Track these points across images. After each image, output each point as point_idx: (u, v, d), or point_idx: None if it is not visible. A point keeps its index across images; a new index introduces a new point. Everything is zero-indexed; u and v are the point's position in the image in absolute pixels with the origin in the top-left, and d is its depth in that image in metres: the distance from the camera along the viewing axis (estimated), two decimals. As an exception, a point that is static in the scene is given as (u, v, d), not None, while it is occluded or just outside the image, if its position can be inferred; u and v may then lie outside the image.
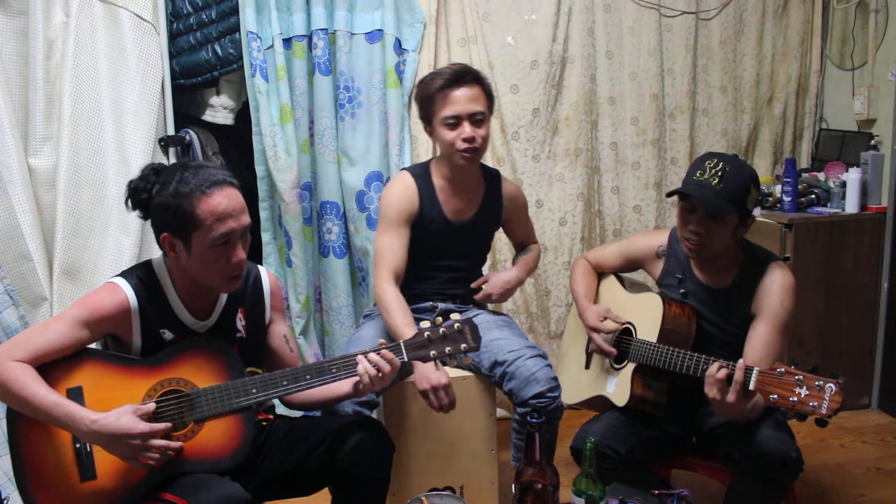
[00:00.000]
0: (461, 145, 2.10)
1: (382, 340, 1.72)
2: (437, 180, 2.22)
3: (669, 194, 1.93)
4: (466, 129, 2.09)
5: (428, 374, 1.93)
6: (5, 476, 2.17)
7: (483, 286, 2.29)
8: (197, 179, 1.57)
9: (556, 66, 3.05)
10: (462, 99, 2.09)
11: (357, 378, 1.69)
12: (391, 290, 2.09)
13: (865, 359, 3.15)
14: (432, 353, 1.71)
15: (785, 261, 2.85)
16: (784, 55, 3.34)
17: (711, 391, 1.70)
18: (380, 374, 1.66)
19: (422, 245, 2.19)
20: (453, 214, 2.22)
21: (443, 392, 1.93)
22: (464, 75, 2.11)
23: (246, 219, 1.62)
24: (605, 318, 2.10)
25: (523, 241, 2.46)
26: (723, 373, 1.68)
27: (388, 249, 2.15)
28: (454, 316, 1.75)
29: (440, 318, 1.74)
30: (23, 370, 1.52)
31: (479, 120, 2.11)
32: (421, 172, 2.24)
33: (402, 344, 1.71)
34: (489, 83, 2.18)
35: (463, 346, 1.71)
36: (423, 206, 2.19)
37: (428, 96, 2.13)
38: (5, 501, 2.03)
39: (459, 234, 2.24)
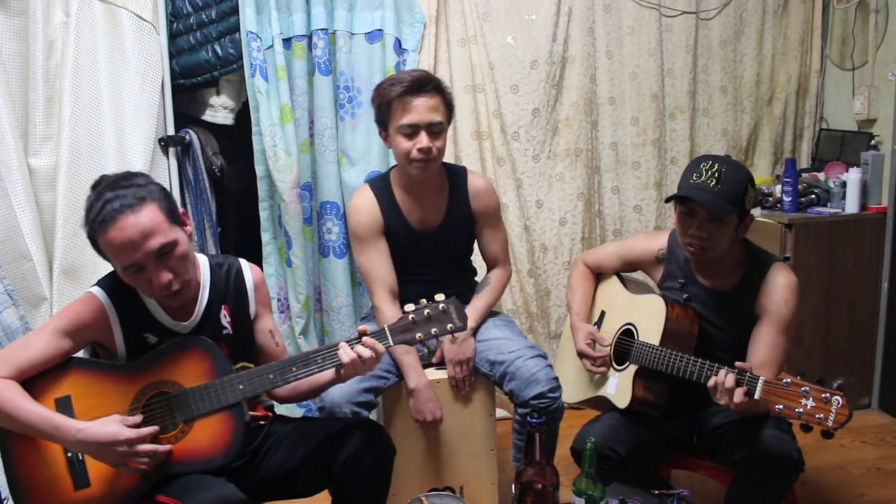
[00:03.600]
0: (416, 155, 2.02)
1: (363, 328, 1.67)
2: (398, 189, 2.17)
3: (668, 200, 1.90)
4: (423, 139, 2.01)
5: (423, 407, 2.06)
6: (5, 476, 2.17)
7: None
8: (95, 212, 1.50)
9: (556, 66, 3.05)
10: (421, 108, 2.00)
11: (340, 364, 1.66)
12: (389, 309, 2.11)
13: (865, 359, 3.15)
14: (418, 335, 1.66)
15: (785, 261, 2.85)
16: (784, 55, 3.34)
17: (723, 399, 1.69)
18: (362, 361, 1.63)
19: (392, 256, 2.17)
20: (418, 223, 2.17)
21: (436, 425, 2.09)
22: (425, 83, 2.02)
23: (154, 243, 1.51)
24: (593, 340, 2.10)
25: (493, 257, 2.29)
26: (731, 380, 1.67)
27: (374, 267, 2.14)
28: (438, 297, 1.69)
29: (425, 301, 1.69)
30: (6, 386, 1.52)
31: (437, 131, 2.04)
32: (381, 184, 2.19)
33: (386, 328, 1.67)
34: (450, 92, 2.10)
35: (449, 325, 1.67)
36: (386, 217, 2.15)
37: (386, 102, 2.04)
38: (5, 501, 2.03)
39: (428, 241, 2.18)
